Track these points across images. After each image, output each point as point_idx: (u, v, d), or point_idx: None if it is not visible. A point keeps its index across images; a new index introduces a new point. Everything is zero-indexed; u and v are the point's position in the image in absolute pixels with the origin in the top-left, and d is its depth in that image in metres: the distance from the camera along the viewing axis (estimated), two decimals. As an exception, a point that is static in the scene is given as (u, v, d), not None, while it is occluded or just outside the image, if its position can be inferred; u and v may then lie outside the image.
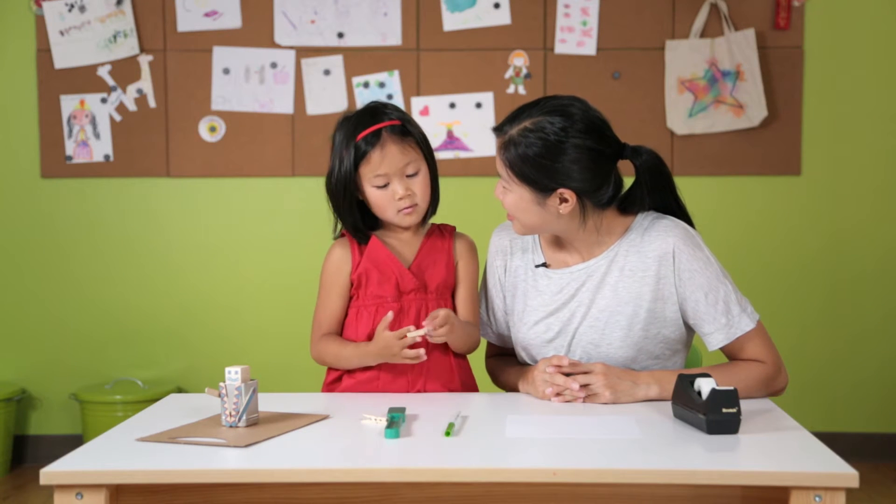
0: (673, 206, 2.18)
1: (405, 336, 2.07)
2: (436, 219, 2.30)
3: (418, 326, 2.11)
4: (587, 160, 2.02)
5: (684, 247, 2.08)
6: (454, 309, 2.24)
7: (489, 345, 2.36)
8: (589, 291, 2.13)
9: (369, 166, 2.15)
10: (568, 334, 2.14)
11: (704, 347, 2.38)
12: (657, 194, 2.15)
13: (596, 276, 2.13)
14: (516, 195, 2.07)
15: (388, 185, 2.15)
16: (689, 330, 2.16)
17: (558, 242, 2.19)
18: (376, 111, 2.19)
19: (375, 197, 2.17)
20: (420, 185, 2.17)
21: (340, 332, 2.23)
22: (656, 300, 2.09)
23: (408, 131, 2.17)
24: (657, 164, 2.13)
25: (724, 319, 2.06)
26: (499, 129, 2.08)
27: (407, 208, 2.16)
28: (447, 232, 2.28)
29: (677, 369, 2.12)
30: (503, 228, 2.28)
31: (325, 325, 2.22)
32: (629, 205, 2.15)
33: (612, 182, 2.09)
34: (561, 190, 2.03)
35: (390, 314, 2.09)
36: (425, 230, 2.26)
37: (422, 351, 2.07)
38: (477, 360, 2.41)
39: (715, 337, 2.08)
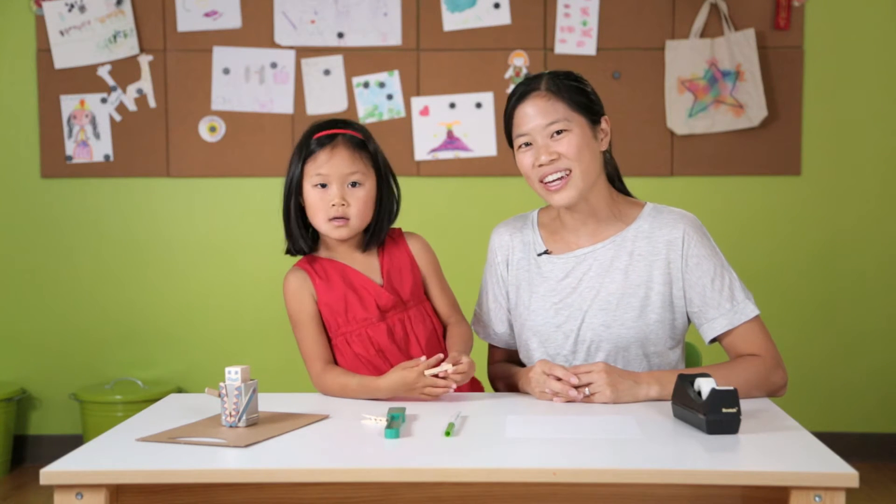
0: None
1: (424, 371, 2.01)
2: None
3: (409, 337, 2.16)
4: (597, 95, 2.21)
5: (694, 234, 2.13)
6: (434, 309, 2.26)
7: (491, 351, 2.36)
8: (597, 276, 2.15)
9: (314, 164, 2.14)
10: (577, 318, 2.15)
11: (704, 345, 2.38)
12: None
13: (603, 260, 2.15)
14: (578, 131, 2.11)
15: (327, 187, 2.14)
16: (688, 322, 2.17)
17: (559, 228, 2.21)
18: (340, 121, 2.20)
19: (311, 198, 2.14)
20: (359, 201, 2.15)
21: (333, 355, 2.19)
22: (665, 284, 2.12)
23: (364, 146, 2.18)
24: None
25: (728, 305, 2.09)
26: (530, 88, 2.14)
27: (337, 219, 2.13)
28: (397, 236, 2.27)
29: (677, 369, 2.13)
30: (502, 225, 2.30)
31: (319, 355, 2.16)
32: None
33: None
34: (604, 117, 2.16)
35: (423, 358, 2.03)
36: (375, 247, 2.23)
37: (452, 385, 2.01)
38: (476, 365, 2.41)
39: (718, 322, 2.09)
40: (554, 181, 2.10)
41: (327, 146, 2.14)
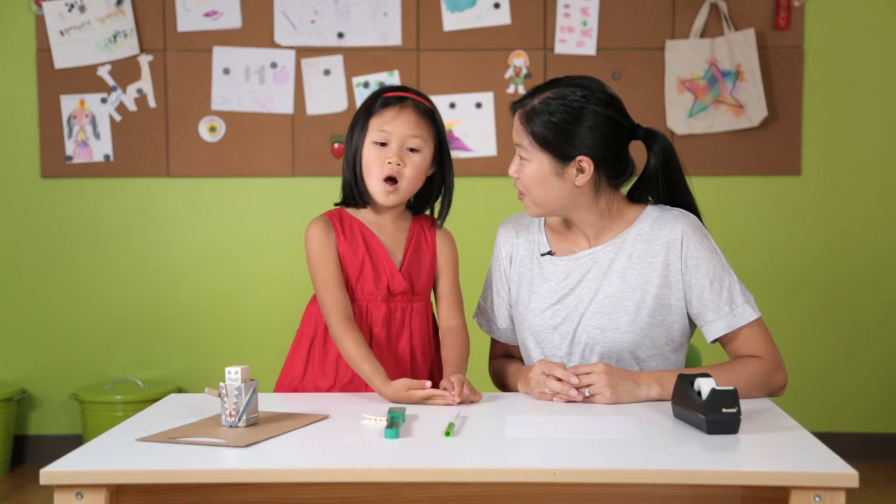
0: (685, 199, 2.19)
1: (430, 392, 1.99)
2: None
3: (404, 328, 2.17)
4: (605, 128, 2.07)
5: (692, 234, 2.11)
6: (438, 305, 2.26)
7: (493, 345, 2.36)
8: (595, 278, 2.14)
9: (380, 120, 2.16)
10: (574, 320, 2.15)
11: (704, 346, 2.38)
12: (669, 183, 2.17)
13: (602, 262, 2.15)
14: (536, 165, 2.08)
15: (386, 146, 2.15)
16: (691, 325, 2.17)
17: (563, 230, 2.21)
18: (412, 88, 2.23)
19: (368, 154, 2.16)
20: (414, 166, 2.16)
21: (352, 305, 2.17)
22: (662, 286, 2.11)
23: (431, 115, 2.19)
24: (672, 151, 2.16)
25: (727, 308, 2.08)
26: (519, 103, 2.12)
27: (390, 182, 2.15)
28: (429, 227, 2.27)
29: (678, 369, 2.13)
30: (509, 221, 2.30)
31: (340, 304, 2.13)
32: (640, 191, 2.18)
33: (627, 161, 2.14)
34: (580, 158, 2.06)
35: (428, 383, 1.99)
36: (408, 222, 2.25)
37: (451, 401, 1.98)
38: (478, 362, 2.41)
39: (717, 325, 2.09)
40: (518, 193, 2.15)
41: (396, 105, 2.16)
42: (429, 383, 2.00)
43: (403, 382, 2.01)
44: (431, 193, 2.26)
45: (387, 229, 2.22)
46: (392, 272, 2.18)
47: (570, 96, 2.07)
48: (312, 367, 2.23)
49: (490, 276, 2.31)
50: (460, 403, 1.99)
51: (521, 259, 2.25)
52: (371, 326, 2.18)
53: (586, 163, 2.07)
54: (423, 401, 1.98)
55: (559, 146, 2.06)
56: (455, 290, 2.27)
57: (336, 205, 2.28)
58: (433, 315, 2.29)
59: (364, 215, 2.23)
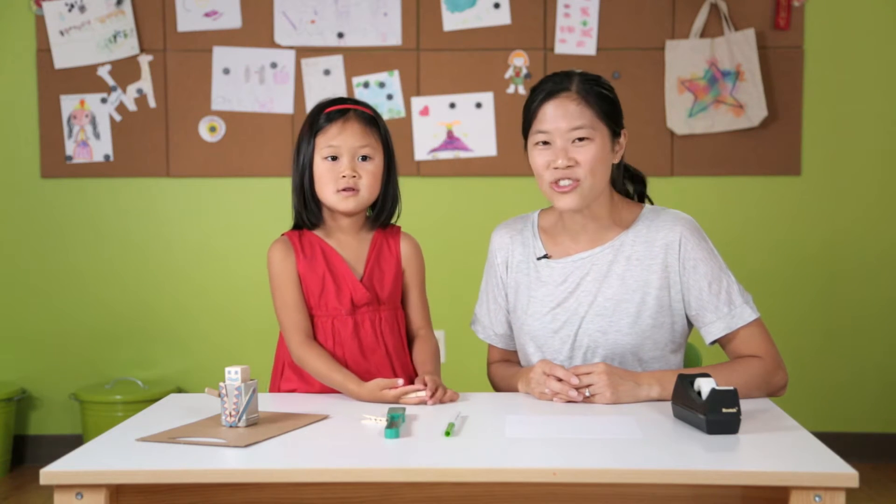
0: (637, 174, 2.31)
1: (402, 390, 2.01)
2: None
3: (378, 341, 2.16)
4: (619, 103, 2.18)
5: (690, 236, 2.12)
6: (406, 316, 2.26)
7: (491, 350, 2.35)
8: (595, 281, 2.14)
9: (326, 137, 2.17)
10: (574, 323, 2.15)
11: (704, 346, 2.38)
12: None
13: (601, 265, 2.15)
14: (600, 142, 2.09)
15: (337, 160, 2.16)
16: (689, 325, 2.17)
17: (558, 233, 2.21)
18: (351, 99, 2.23)
19: (320, 170, 2.17)
20: (369, 174, 2.17)
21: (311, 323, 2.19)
22: (662, 288, 2.11)
23: (375, 122, 2.20)
24: None
25: (726, 309, 2.08)
26: (563, 85, 2.10)
27: (346, 190, 2.15)
28: (392, 236, 2.26)
29: (678, 369, 2.13)
30: (502, 226, 2.29)
31: (300, 326, 2.16)
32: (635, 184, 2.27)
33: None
34: (623, 130, 2.15)
35: (400, 381, 2.01)
36: (371, 234, 2.24)
37: (424, 397, 2.00)
38: (476, 365, 2.41)
39: (716, 326, 2.09)
40: (564, 184, 2.09)
41: (339, 120, 2.17)
42: (401, 381, 2.01)
43: (377, 382, 2.02)
44: (387, 199, 2.24)
45: (348, 243, 2.22)
46: (354, 284, 2.18)
47: (595, 76, 2.15)
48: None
49: (485, 283, 2.31)
50: (439, 403, 2.00)
51: (518, 264, 2.24)
52: (342, 340, 2.17)
53: (624, 136, 2.15)
54: (397, 399, 1.99)
55: (615, 118, 2.12)
56: (423, 299, 2.28)
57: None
58: (404, 326, 2.28)
59: (324, 231, 2.23)
